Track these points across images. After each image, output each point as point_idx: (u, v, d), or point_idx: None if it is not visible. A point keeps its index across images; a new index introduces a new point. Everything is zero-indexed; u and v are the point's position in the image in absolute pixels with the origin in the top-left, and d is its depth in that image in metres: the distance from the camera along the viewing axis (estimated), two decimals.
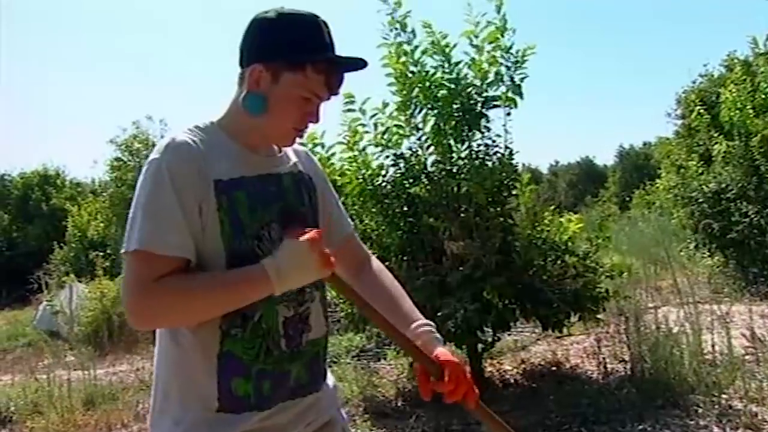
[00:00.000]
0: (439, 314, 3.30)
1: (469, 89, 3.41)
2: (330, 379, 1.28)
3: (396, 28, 3.45)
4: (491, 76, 3.44)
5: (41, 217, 16.18)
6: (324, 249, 1.07)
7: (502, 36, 3.39)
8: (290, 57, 1.10)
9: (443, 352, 1.15)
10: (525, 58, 3.42)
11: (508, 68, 3.42)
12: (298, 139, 1.19)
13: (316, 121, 1.16)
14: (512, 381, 3.93)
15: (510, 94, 3.44)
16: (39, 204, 16.51)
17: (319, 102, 1.14)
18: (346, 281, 1.17)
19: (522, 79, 3.44)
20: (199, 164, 1.06)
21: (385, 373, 4.35)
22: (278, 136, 1.17)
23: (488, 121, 3.55)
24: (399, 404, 3.66)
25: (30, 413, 3.89)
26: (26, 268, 11.90)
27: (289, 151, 1.25)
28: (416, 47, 3.46)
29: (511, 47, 3.41)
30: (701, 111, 6.83)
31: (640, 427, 2.86)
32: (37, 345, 6.67)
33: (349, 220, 1.37)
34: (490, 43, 3.40)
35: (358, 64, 1.14)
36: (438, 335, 1.20)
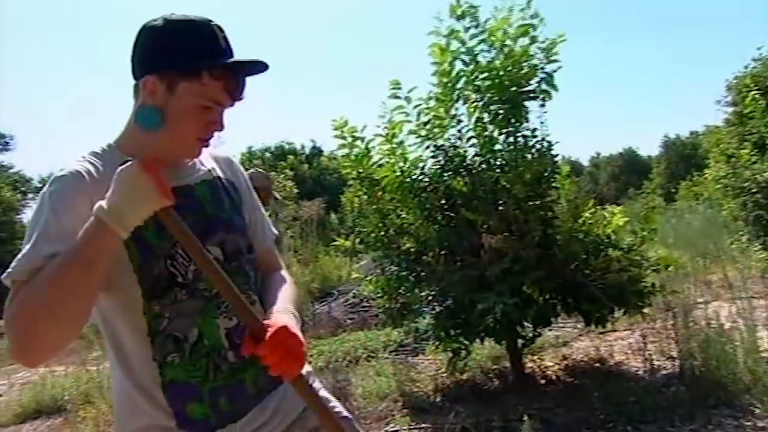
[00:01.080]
0: (477, 309, 3.25)
1: (513, 79, 3.33)
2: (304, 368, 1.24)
3: (458, 15, 3.36)
4: (525, 68, 3.35)
5: None
6: (161, 177, 0.94)
7: (533, 28, 3.29)
8: (184, 65, 1.03)
9: (279, 320, 1.04)
10: (554, 48, 3.31)
11: (541, 59, 3.33)
12: (204, 148, 1.11)
13: (221, 128, 1.09)
14: (554, 377, 3.84)
15: (543, 86, 3.34)
16: None
17: (221, 109, 1.08)
18: (183, 224, 1.01)
19: (554, 70, 3.35)
20: (89, 194, 0.98)
21: (423, 368, 4.32)
22: (181, 149, 1.09)
23: (528, 113, 3.46)
24: (437, 400, 3.63)
25: (82, 403, 4.04)
26: None
27: (204, 157, 1.19)
28: (475, 35, 3.38)
29: (536, 38, 3.31)
30: (756, 96, 6.50)
31: (691, 426, 2.75)
32: (87, 338, 6.91)
33: (273, 229, 1.31)
34: (523, 36, 3.31)
35: (258, 67, 1.07)
36: (290, 312, 1.09)
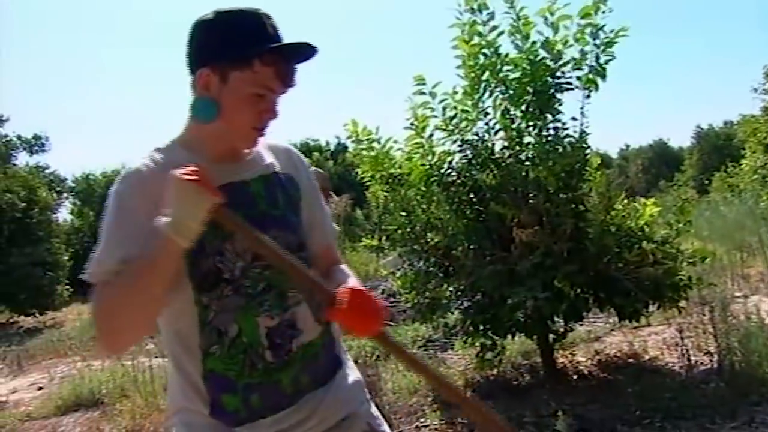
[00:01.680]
0: (507, 304, 3.22)
1: (543, 70, 3.27)
2: (350, 374, 1.24)
3: (473, 8, 3.33)
4: (569, 56, 3.28)
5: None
6: (203, 178, 0.98)
7: (596, 13, 3.21)
8: (235, 54, 1.05)
9: (350, 283, 1.09)
10: (616, 40, 3.23)
11: (597, 47, 3.24)
12: (260, 138, 1.12)
13: (274, 116, 1.10)
14: (586, 373, 3.78)
15: (591, 76, 3.27)
16: None
17: (274, 96, 1.09)
18: (236, 218, 1.04)
19: (607, 62, 3.27)
20: (151, 190, 1.03)
21: (453, 363, 4.30)
22: (238, 139, 1.11)
23: (560, 104, 3.40)
24: (468, 395, 3.61)
25: (118, 396, 4.14)
26: None
27: (264, 151, 1.19)
28: (494, 27, 3.34)
29: (603, 26, 3.23)
30: None
31: (733, 424, 2.68)
32: None
33: (334, 226, 1.31)
34: (582, 18, 3.22)
35: (307, 50, 1.08)
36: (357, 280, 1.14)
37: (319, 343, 1.17)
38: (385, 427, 1.27)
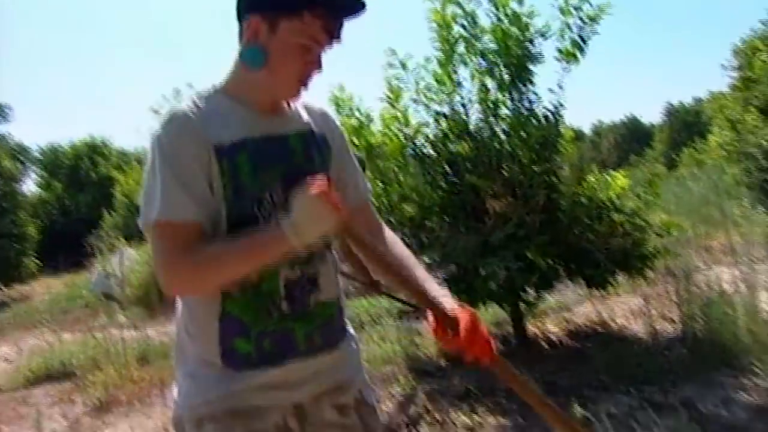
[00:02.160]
0: (481, 274, 3.27)
1: (519, 41, 3.27)
2: (352, 343, 1.27)
3: None
4: (551, 28, 3.29)
5: (91, 185, 16.80)
6: (333, 196, 1.02)
7: None
8: (286, 4, 1.07)
9: (457, 307, 1.11)
10: (600, 16, 3.25)
11: (581, 20, 3.26)
12: (303, 91, 1.15)
13: (319, 68, 1.12)
14: (556, 341, 3.88)
15: (571, 49, 3.28)
16: (88, 173, 17.11)
17: (320, 49, 1.11)
18: (359, 234, 1.10)
19: (589, 37, 3.29)
20: (197, 132, 1.07)
21: (428, 332, 4.37)
22: (282, 89, 1.14)
23: (535, 77, 3.42)
24: (442, 363, 3.69)
25: (90, 368, 4.10)
26: (79, 234, 12.44)
27: (301, 109, 1.21)
28: None
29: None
30: (764, 59, 6.39)
31: (693, 387, 2.79)
32: (93, 306, 6.99)
33: (368, 185, 1.34)
34: None
35: (357, 6, 1.10)
36: (448, 294, 1.16)
37: (335, 305, 1.21)
38: (374, 399, 1.30)
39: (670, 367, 3.05)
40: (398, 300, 3.51)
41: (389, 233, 1.28)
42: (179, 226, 1.04)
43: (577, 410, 2.08)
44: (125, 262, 7.02)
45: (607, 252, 3.25)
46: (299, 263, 1.14)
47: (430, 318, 1.09)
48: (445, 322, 1.08)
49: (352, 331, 1.29)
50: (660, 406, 2.61)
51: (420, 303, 1.10)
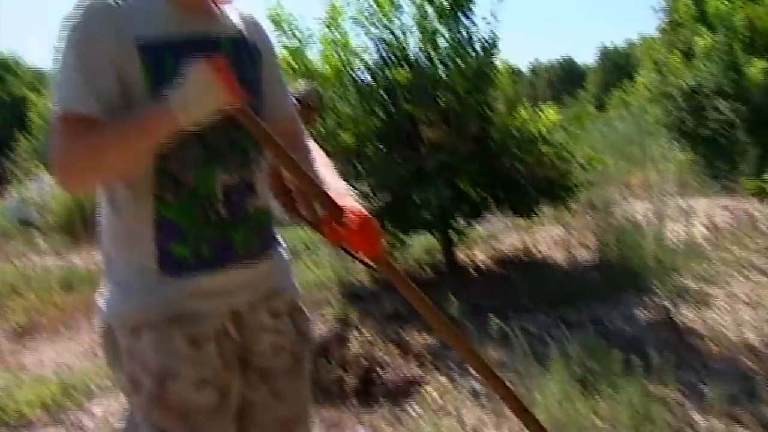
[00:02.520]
0: (415, 202, 3.34)
1: None
2: (284, 251, 1.28)
3: None
4: None
5: (1, 106, 15.48)
6: (230, 76, 0.99)
7: None
8: None
9: (354, 203, 1.11)
10: None
11: None
12: (234, 9, 1.11)
13: None
14: (483, 268, 4.08)
15: None
16: None
17: None
18: (255, 120, 1.07)
19: None
20: (118, 25, 1.02)
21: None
22: None
23: (472, 6, 3.40)
24: (373, 288, 3.81)
25: (9, 293, 3.94)
26: None
27: (232, 14, 1.17)
28: None
29: None
30: (688, 2, 6.60)
31: (602, 306, 3.04)
32: (9, 233, 6.62)
33: (293, 99, 1.31)
34: None
35: None
36: (353, 195, 1.16)
37: (269, 212, 1.21)
38: (305, 310, 1.32)
39: (584, 289, 3.29)
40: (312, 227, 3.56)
41: (314, 145, 1.28)
42: (76, 119, 1.00)
43: (494, 322, 2.22)
44: (45, 188, 6.64)
45: (534, 182, 3.39)
46: (235, 168, 1.12)
47: (318, 208, 1.09)
48: (336, 215, 1.08)
49: (281, 240, 1.30)
50: (572, 324, 2.83)
51: (314, 195, 1.09)
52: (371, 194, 3.76)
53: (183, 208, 1.09)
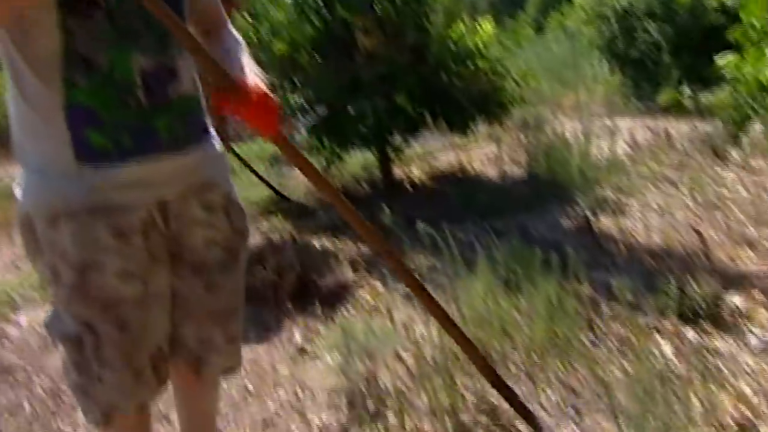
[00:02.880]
0: (350, 115, 3.32)
1: None
2: (217, 144, 1.25)
3: None
4: None
5: None
6: None
7: None
8: None
9: (252, 77, 1.09)
10: None
11: None
12: None
13: None
14: (419, 184, 4.17)
15: None
16: None
17: None
18: None
19: None
20: None
21: (296, 175, 4.46)
22: None
23: None
24: (309, 205, 3.84)
25: None
26: None
27: None
28: None
29: None
30: None
31: (528, 216, 3.21)
32: None
33: None
34: None
35: None
36: (258, 73, 1.14)
37: (197, 99, 1.16)
38: (241, 205, 1.30)
39: (513, 202, 3.45)
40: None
41: (233, 31, 1.24)
42: None
43: (426, 231, 2.31)
44: None
45: (470, 96, 3.43)
46: (153, 51, 1.06)
47: (214, 87, 1.06)
48: (230, 87, 1.06)
49: (214, 133, 1.27)
50: (500, 232, 2.98)
51: (209, 69, 1.05)
52: (307, 108, 3.70)
53: (97, 93, 1.03)
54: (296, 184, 4.14)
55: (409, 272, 1.38)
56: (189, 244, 1.22)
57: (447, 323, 1.43)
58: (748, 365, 1.80)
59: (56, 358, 2.26)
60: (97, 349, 1.11)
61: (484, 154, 4.68)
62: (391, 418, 1.69)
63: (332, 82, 3.33)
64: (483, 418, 1.69)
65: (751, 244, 2.55)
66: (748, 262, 2.43)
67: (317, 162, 4.05)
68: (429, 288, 1.44)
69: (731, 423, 1.56)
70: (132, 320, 1.13)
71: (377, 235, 1.33)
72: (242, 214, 1.31)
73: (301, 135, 4.01)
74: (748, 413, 1.58)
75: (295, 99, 3.64)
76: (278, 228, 3.33)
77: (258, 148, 5.10)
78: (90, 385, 1.14)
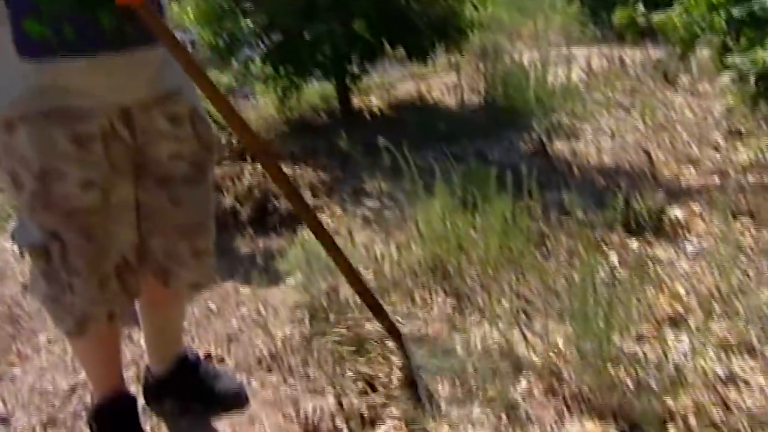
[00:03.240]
0: (307, 41, 3.23)
1: None
2: None
3: None
4: None
5: None
6: None
7: None
8: None
9: None
10: None
11: None
12: None
13: None
14: (378, 113, 4.14)
15: None
16: None
17: None
18: None
19: None
20: None
21: (253, 108, 4.36)
22: None
23: None
24: (268, 136, 3.78)
25: None
26: None
27: None
28: None
29: None
30: None
31: (486, 142, 3.26)
32: None
33: None
34: None
35: None
36: None
37: None
38: (208, 119, 1.27)
39: (471, 128, 3.48)
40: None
41: None
42: None
43: (385, 156, 2.33)
44: None
45: (428, 21, 3.37)
46: None
47: None
48: None
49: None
50: (458, 157, 3.02)
51: None
52: (261, 34, 3.57)
53: None
54: (252, 115, 4.05)
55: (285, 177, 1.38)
56: (154, 157, 1.21)
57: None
58: (683, 269, 1.94)
59: (11, 285, 2.23)
60: (64, 258, 1.11)
61: (443, 83, 4.65)
62: (352, 328, 1.75)
63: (287, 6, 3.21)
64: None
65: (694, 162, 2.67)
66: (690, 178, 2.56)
67: (273, 92, 3.97)
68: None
69: (665, 318, 1.69)
70: (96, 229, 1.13)
71: (249, 131, 1.32)
72: (208, 127, 1.29)
73: (255, 65, 3.90)
74: (680, 309, 1.72)
75: (248, 24, 3.50)
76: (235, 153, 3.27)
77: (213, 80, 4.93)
78: (61, 293, 1.15)
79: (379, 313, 1.58)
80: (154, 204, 1.23)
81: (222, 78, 4.86)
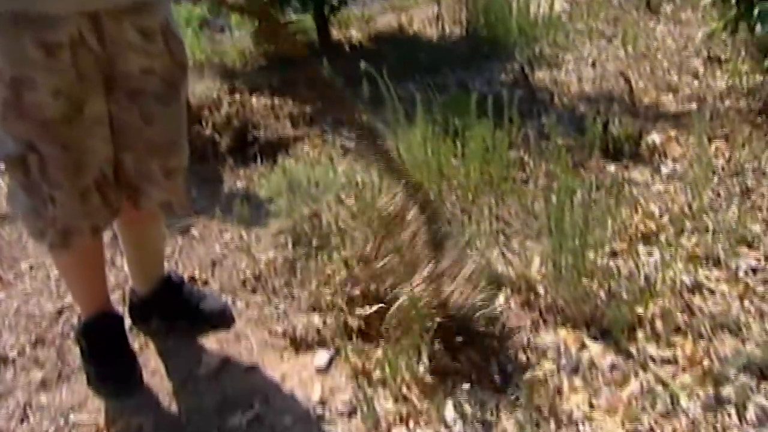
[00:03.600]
0: None
1: None
2: None
3: None
4: None
5: None
6: None
7: None
8: None
9: None
10: None
11: None
12: None
13: None
14: (358, 45, 4.05)
15: None
16: None
17: None
18: None
19: None
20: None
21: (227, 39, 4.25)
22: None
23: None
24: (247, 68, 3.69)
25: None
26: None
27: None
28: None
29: None
30: None
31: (467, 72, 3.22)
32: None
33: None
34: None
35: None
36: None
37: None
38: (181, 37, 1.24)
39: (452, 59, 3.43)
40: None
41: None
42: None
43: (366, 87, 2.30)
44: None
45: None
46: None
47: None
48: None
49: None
50: (439, 87, 2.99)
51: None
52: None
53: None
54: (232, 50, 3.94)
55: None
56: (124, 70, 1.18)
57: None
58: (658, 190, 1.98)
59: None
60: (42, 169, 1.11)
61: (423, 14, 4.54)
62: (335, 251, 1.78)
63: None
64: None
65: (673, 89, 2.68)
66: (668, 105, 2.57)
67: (251, 25, 3.84)
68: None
69: (638, 235, 1.75)
70: (71, 140, 1.13)
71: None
72: (181, 46, 1.27)
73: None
74: (653, 227, 1.77)
75: None
76: (213, 88, 3.20)
77: (186, 13, 4.74)
78: (42, 206, 1.15)
79: None
80: (126, 118, 1.22)
81: (195, 10, 4.70)
